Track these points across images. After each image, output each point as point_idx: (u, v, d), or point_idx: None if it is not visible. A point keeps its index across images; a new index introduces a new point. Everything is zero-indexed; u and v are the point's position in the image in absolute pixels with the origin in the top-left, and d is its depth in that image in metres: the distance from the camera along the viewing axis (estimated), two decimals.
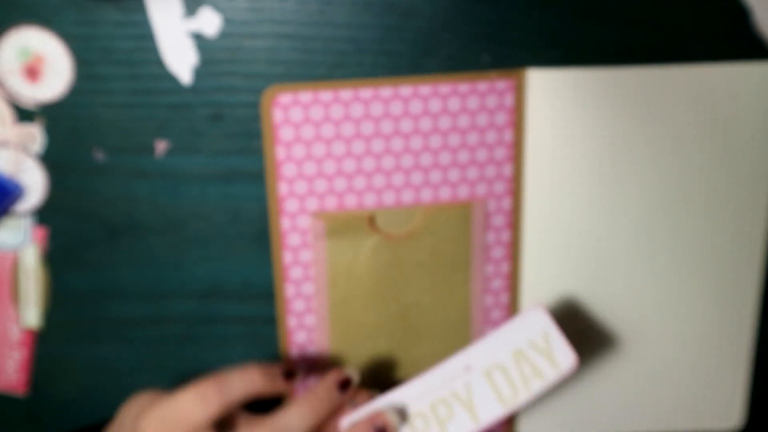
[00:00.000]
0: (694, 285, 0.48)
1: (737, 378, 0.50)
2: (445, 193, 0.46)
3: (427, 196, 0.46)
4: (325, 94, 0.44)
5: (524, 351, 0.42)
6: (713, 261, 0.48)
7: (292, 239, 0.47)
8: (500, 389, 0.42)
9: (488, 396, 0.42)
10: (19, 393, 0.51)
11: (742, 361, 0.50)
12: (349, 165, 0.45)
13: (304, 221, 0.46)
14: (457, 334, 0.49)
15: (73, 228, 0.48)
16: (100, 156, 0.46)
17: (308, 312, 0.48)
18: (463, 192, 0.46)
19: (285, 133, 0.45)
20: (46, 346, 0.50)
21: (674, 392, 0.50)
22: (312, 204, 0.46)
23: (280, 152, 0.45)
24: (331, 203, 0.46)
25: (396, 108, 0.45)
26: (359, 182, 0.46)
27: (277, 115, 0.44)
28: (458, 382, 0.42)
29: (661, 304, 0.48)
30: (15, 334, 0.50)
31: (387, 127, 0.45)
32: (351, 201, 0.46)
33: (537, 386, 0.41)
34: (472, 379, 0.42)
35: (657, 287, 0.48)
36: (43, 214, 0.48)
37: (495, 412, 0.42)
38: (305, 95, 0.44)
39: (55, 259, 0.48)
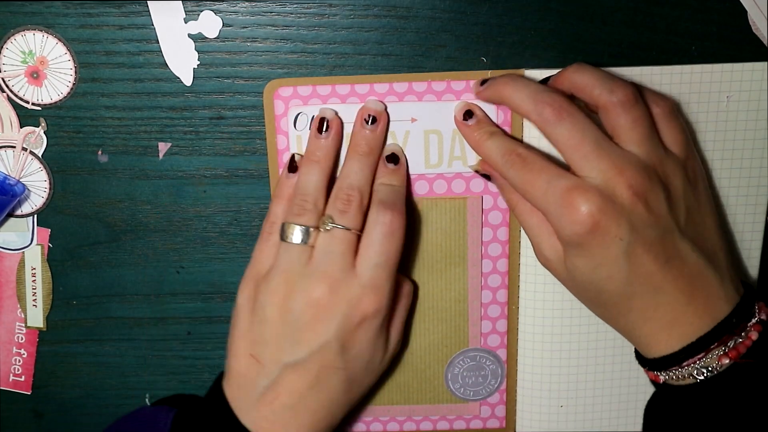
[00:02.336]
0: None
1: None
2: (440, 187, 0.47)
3: (422, 188, 0.47)
4: (323, 89, 0.45)
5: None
6: None
7: None
8: (429, 153, 0.46)
9: (418, 152, 0.46)
10: (24, 391, 0.51)
11: None
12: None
13: None
14: (454, 327, 0.49)
15: (77, 229, 0.48)
16: (102, 157, 0.47)
17: None
18: (459, 186, 0.46)
19: (285, 124, 0.45)
20: (50, 345, 0.50)
21: None
22: None
23: (282, 141, 0.46)
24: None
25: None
26: None
27: (278, 106, 0.45)
28: (401, 126, 0.45)
29: None
30: (20, 333, 0.50)
31: None
32: None
33: (456, 167, 0.46)
34: (413, 130, 0.45)
35: None
36: (47, 215, 0.48)
37: (417, 168, 0.46)
38: (304, 89, 0.45)
39: (58, 260, 0.49)
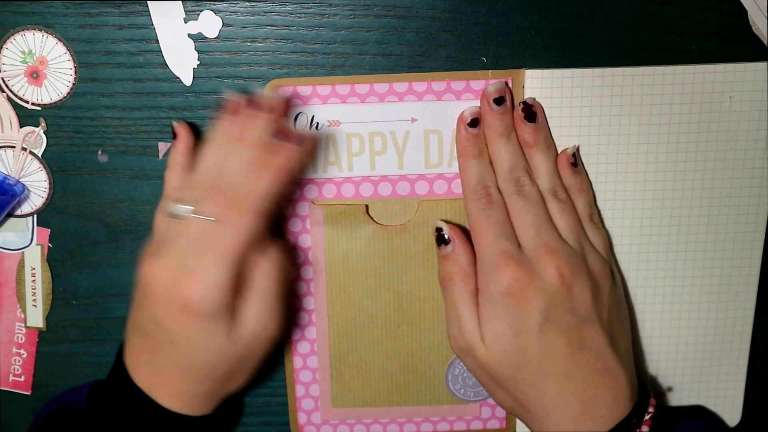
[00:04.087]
0: (693, 283, 0.48)
1: (737, 376, 0.50)
2: (440, 187, 0.47)
3: (422, 188, 0.47)
4: (323, 89, 0.45)
5: None
6: (711, 259, 0.48)
7: (294, 226, 0.47)
8: (429, 153, 0.46)
9: (418, 152, 0.46)
10: (24, 392, 0.51)
11: (743, 359, 0.50)
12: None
13: (303, 208, 0.47)
14: None
15: (77, 229, 0.48)
16: (102, 157, 0.47)
17: (308, 294, 0.48)
18: (459, 187, 0.46)
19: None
20: (50, 345, 0.50)
21: (673, 392, 0.50)
22: (311, 192, 0.47)
23: None
24: (329, 192, 0.47)
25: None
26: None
27: None
28: (400, 126, 0.45)
29: (659, 302, 0.49)
30: (20, 333, 0.50)
31: None
32: (348, 191, 0.47)
33: (456, 167, 0.46)
34: (412, 131, 0.45)
35: (655, 286, 0.48)
36: (47, 215, 0.48)
37: (417, 168, 0.46)
38: (304, 89, 0.45)
39: (58, 260, 0.49)
